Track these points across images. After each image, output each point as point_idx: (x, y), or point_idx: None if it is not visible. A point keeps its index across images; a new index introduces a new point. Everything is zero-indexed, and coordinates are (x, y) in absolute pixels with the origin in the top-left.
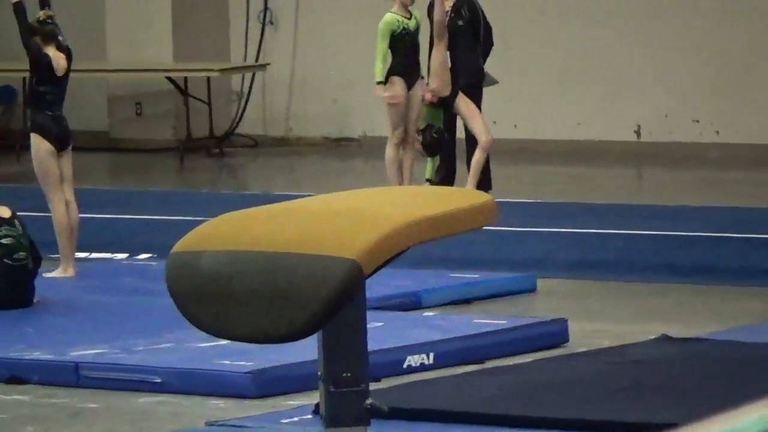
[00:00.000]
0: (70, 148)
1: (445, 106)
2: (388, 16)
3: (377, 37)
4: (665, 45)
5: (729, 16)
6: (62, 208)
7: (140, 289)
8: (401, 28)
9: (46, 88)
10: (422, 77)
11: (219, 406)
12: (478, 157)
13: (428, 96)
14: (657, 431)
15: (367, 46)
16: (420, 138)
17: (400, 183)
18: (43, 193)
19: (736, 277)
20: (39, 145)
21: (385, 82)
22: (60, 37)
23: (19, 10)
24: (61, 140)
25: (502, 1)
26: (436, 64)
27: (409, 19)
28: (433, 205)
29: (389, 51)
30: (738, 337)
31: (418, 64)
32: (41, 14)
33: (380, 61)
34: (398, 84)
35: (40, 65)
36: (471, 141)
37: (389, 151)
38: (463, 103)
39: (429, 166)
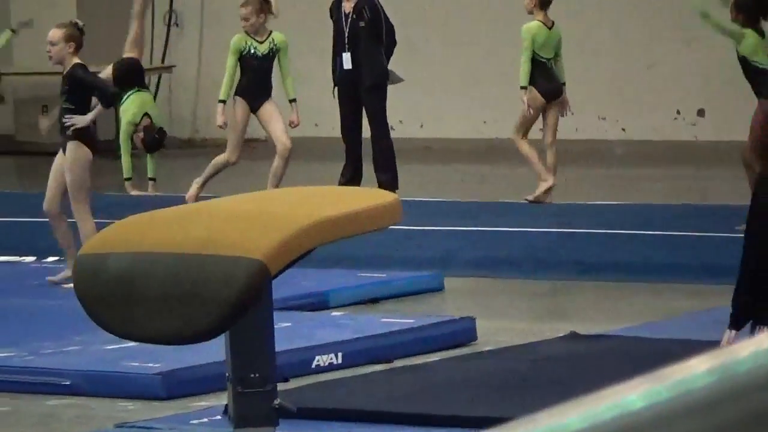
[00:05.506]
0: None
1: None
2: (236, 37)
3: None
4: (570, 45)
5: (631, 15)
6: None
7: (48, 291)
8: (248, 50)
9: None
10: (289, 101)
11: (128, 408)
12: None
13: (296, 120)
14: None
15: None
16: (141, 135)
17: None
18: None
19: (643, 274)
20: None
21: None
22: None
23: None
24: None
25: (406, 2)
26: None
27: (261, 43)
28: (338, 205)
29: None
30: (646, 334)
31: (266, 87)
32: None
33: (227, 78)
34: (239, 105)
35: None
36: (377, 140)
37: (219, 158)
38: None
39: (150, 165)
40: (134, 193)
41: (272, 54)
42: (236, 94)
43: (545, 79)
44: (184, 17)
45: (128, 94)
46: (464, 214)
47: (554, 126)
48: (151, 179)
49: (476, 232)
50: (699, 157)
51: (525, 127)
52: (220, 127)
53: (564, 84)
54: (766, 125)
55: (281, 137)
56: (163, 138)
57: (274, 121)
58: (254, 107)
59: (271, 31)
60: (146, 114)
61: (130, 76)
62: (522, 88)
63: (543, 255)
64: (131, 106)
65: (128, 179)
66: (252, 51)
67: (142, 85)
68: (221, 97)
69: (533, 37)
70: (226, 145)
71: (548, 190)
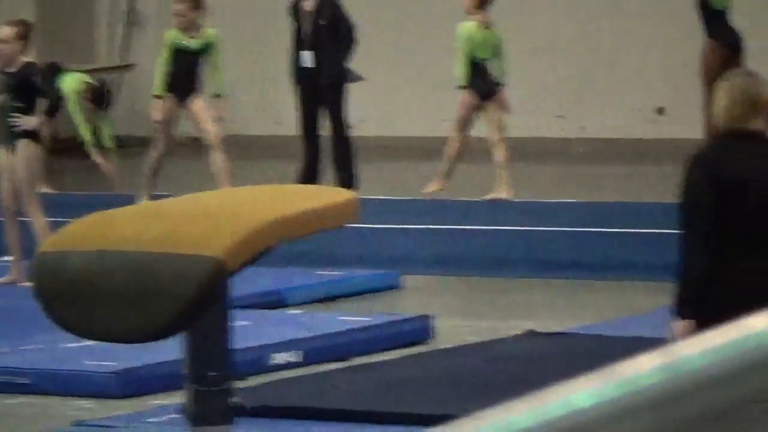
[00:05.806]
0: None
1: None
2: (169, 32)
3: None
4: (530, 43)
5: (593, 14)
6: None
7: (6, 291)
8: (180, 45)
9: None
10: (225, 96)
11: (86, 407)
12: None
13: (222, 115)
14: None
15: (232, 47)
16: (89, 96)
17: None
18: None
19: (601, 272)
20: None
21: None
22: None
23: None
24: None
25: (364, 1)
26: None
27: (194, 39)
28: (297, 203)
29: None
30: (604, 332)
31: (196, 83)
32: None
33: (161, 73)
34: (168, 100)
35: None
36: (336, 139)
37: (152, 154)
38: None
39: (105, 132)
40: (98, 160)
41: (204, 50)
42: (166, 89)
43: (480, 79)
44: (143, 16)
45: (57, 81)
46: (422, 212)
47: (496, 124)
48: (108, 149)
49: (434, 231)
50: (659, 154)
51: (462, 124)
52: (157, 122)
53: (500, 84)
54: (714, 59)
55: (211, 129)
56: (105, 88)
57: (202, 115)
58: (183, 102)
59: (203, 28)
60: (84, 82)
61: (50, 77)
62: (460, 87)
63: (501, 253)
64: (68, 83)
65: (89, 144)
66: (184, 46)
67: (63, 71)
68: (156, 92)
69: (469, 37)
70: (155, 142)
71: (435, 191)
